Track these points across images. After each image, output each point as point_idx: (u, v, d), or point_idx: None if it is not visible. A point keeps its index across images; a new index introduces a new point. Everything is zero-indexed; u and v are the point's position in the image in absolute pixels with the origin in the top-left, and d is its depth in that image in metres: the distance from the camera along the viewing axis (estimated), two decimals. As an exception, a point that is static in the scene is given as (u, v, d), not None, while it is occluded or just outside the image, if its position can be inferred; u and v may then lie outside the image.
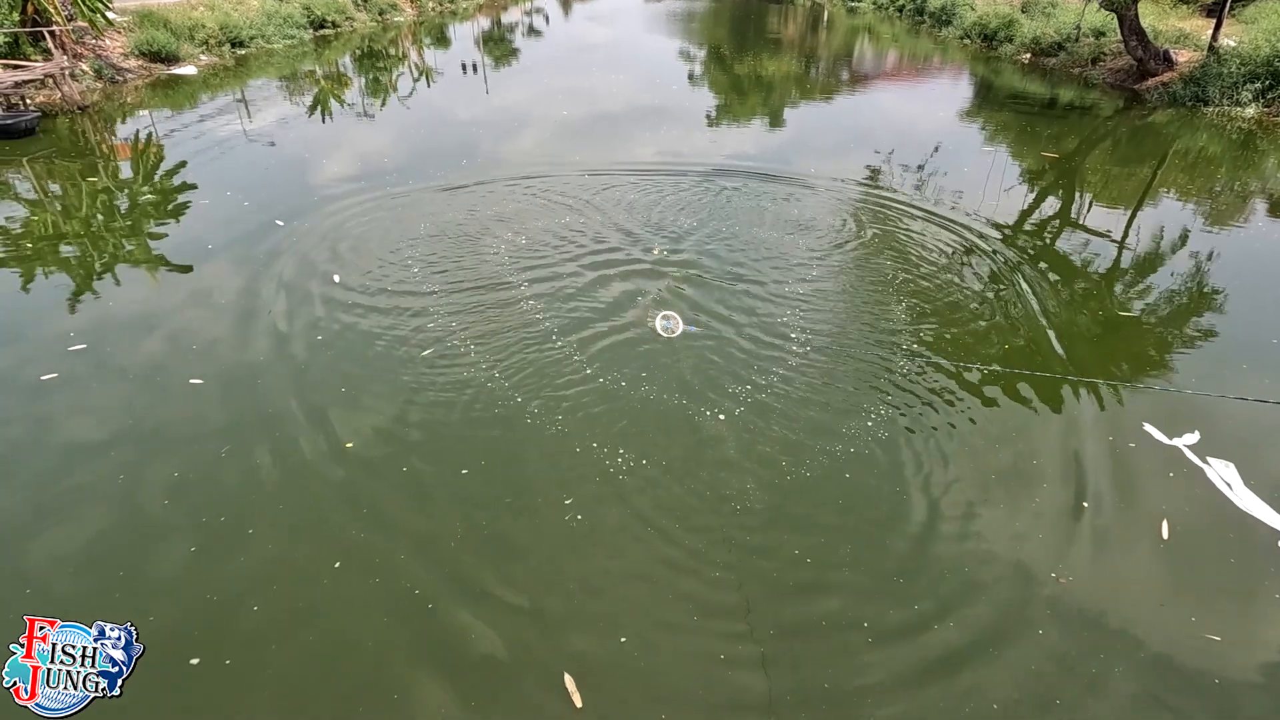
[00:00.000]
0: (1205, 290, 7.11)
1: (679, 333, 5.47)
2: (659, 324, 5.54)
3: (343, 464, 4.56)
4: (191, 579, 3.75)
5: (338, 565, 3.85)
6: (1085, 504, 4.30)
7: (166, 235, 8.13)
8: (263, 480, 4.43)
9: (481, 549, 3.96)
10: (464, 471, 4.50)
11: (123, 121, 13.01)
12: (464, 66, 20.51)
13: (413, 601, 3.63)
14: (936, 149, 12.03)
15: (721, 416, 5.00)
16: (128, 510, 4.18)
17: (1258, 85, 13.77)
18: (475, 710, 3.17)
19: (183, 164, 10.58)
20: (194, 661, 3.32)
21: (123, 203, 9.15)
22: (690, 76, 19.73)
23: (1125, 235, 8.54)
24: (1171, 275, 7.43)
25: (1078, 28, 18.89)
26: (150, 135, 12.06)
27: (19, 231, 8.06)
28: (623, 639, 3.46)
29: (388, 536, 4.03)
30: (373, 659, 3.36)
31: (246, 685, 3.25)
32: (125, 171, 10.39)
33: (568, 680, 3.25)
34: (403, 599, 3.65)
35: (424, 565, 3.84)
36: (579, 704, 3.17)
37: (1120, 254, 7.97)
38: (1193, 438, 4.80)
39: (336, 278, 6.98)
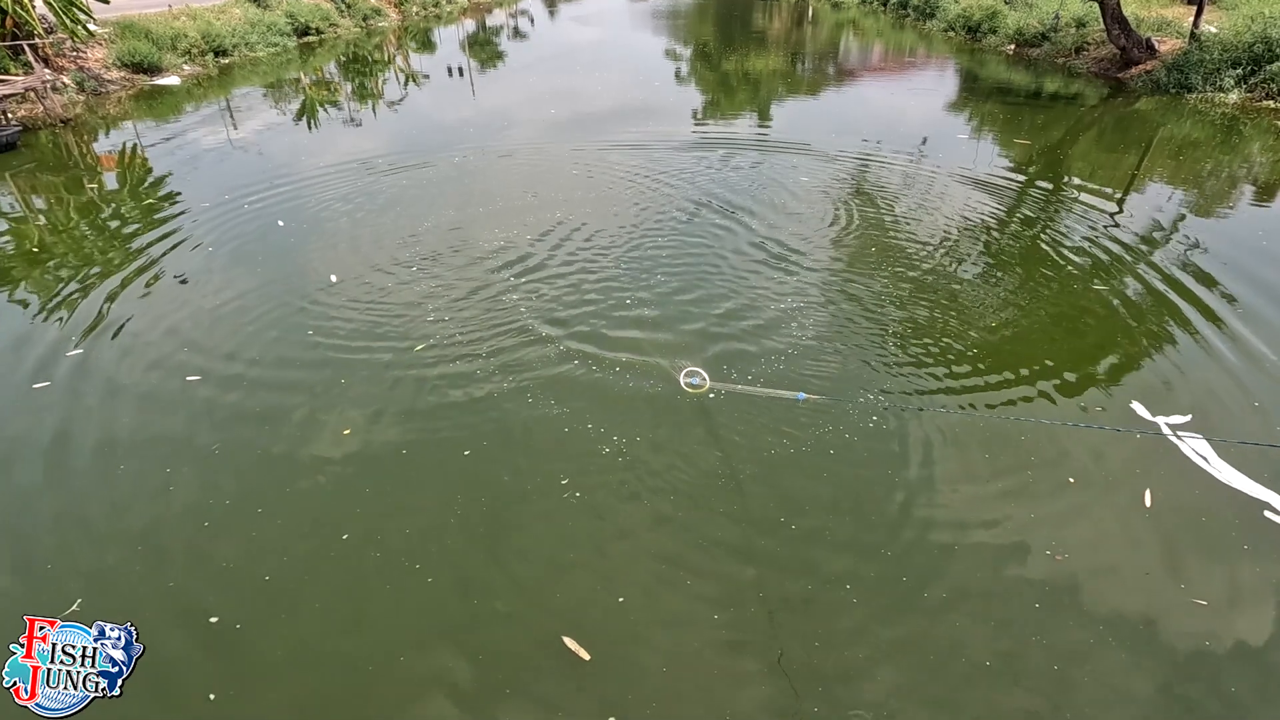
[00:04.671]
0: (1196, 273, 7.19)
1: (706, 388, 5.21)
2: (683, 380, 5.26)
3: (342, 449, 4.66)
4: (200, 552, 3.92)
5: (345, 536, 3.99)
6: (1071, 479, 4.36)
7: (164, 238, 8.08)
8: (265, 467, 4.53)
9: (481, 524, 4.07)
10: (466, 453, 4.63)
11: (107, 133, 12.94)
12: (450, 70, 20.49)
13: (415, 575, 3.75)
14: (925, 141, 12.11)
15: (712, 396, 5.08)
16: (129, 507, 4.20)
17: (1239, 71, 13.88)
18: (483, 664, 3.29)
19: (169, 174, 10.54)
20: (213, 620, 3.50)
21: (110, 212, 9.10)
22: (677, 75, 19.78)
23: (1117, 214, 8.61)
24: (1160, 260, 7.51)
25: (1057, 16, 19.01)
26: (136, 146, 12.00)
27: (3, 245, 8.01)
28: (620, 599, 3.62)
29: (390, 513, 4.15)
30: (378, 629, 3.50)
31: (259, 650, 3.40)
32: (111, 183, 10.34)
33: (568, 641, 3.38)
34: (405, 572, 3.77)
35: (426, 538, 3.97)
36: (586, 657, 3.31)
37: (1106, 239, 8.03)
38: (1182, 419, 4.86)
39: (334, 277, 7.02)
